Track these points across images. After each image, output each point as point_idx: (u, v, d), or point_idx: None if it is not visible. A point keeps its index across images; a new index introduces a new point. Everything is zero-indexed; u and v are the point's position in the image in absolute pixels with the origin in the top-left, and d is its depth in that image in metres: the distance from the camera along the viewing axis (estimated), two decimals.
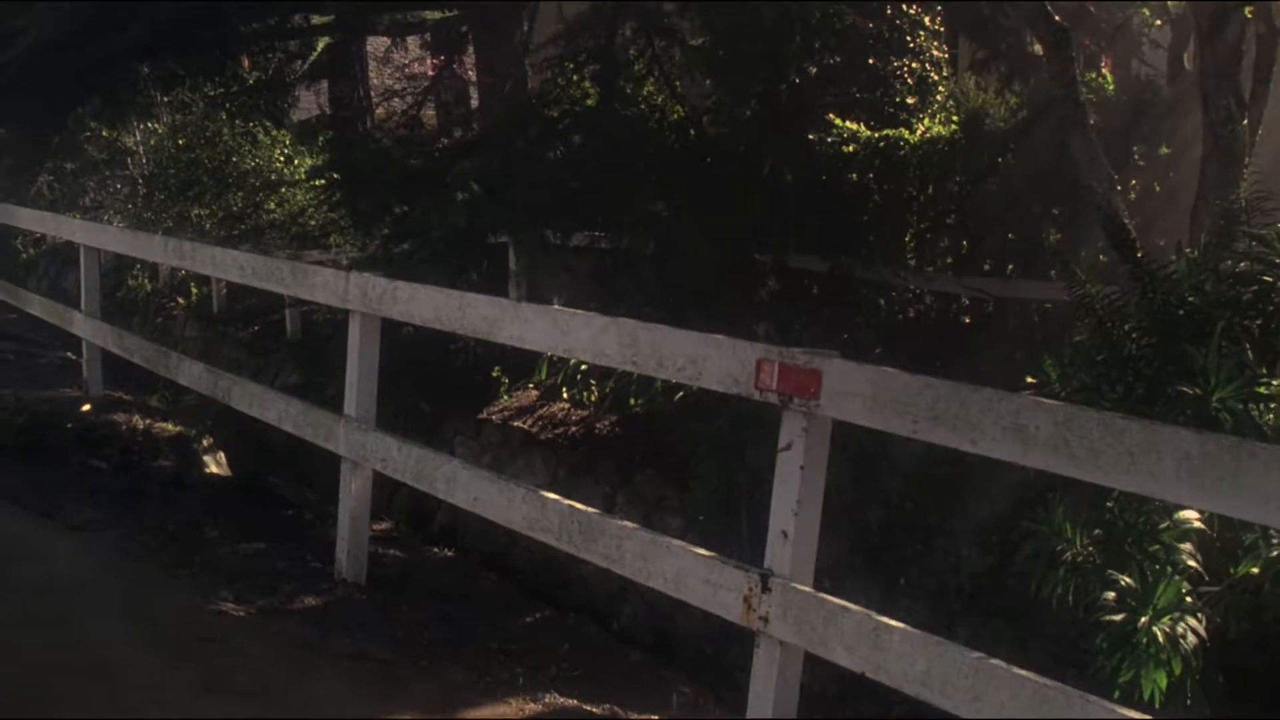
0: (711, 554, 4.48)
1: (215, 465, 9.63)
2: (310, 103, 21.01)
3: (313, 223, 15.97)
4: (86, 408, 9.83)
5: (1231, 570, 4.33)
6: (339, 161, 14.13)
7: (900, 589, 6.29)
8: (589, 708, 5.14)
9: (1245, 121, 7.17)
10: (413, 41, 19.41)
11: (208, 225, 17.35)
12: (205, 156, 17.96)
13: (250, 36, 15.15)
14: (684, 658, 6.90)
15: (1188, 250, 5.09)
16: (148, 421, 9.73)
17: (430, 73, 17.83)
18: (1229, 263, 4.75)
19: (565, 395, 9.56)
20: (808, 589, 4.09)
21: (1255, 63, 7.67)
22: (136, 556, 6.35)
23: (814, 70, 11.96)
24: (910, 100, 12.28)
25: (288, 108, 19.24)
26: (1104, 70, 12.43)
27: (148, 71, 14.17)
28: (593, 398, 9.34)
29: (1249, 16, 7.21)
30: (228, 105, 17.53)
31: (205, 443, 9.69)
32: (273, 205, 17.55)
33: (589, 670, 5.76)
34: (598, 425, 8.92)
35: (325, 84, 19.33)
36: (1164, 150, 10.29)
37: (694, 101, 12.20)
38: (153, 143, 19.46)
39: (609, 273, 11.06)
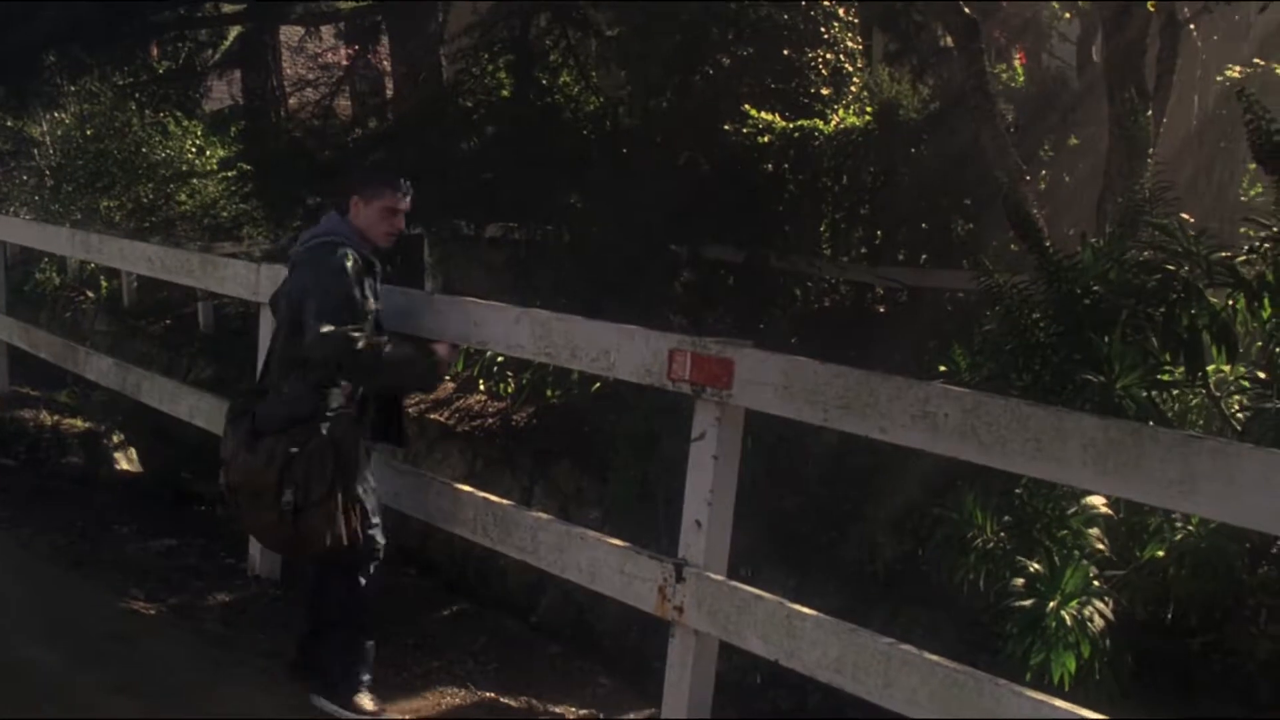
0: (625, 544, 4.49)
1: (126, 462, 9.49)
2: (223, 93, 20.69)
3: (225, 214, 15.77)
4: None
5: (1138, 554, 4.42)
6: (251, 152, 13.97)
7: (817, 576, 6.33)
8: (506, 700, 5.13)
9: (1149, 113, 7.29)
10: (327, 31, 19.18)
11: (117, 217, 17.11)
12: (114, 147, 17.71)
13: (160, 25, 14.89)
14: (603, 649, 6.91)
15: (1093, 240, 5.16)
16: (56, 418, 9.58)
17: (344, 63, 17.64)
18: (1133, 252, 4.82)
19: (482, 387, 9.52)
20: (721, 578, 4.11)
21: (1159, 55, 7.81)
22: (44, 555, 6.24)
23: (728, 61, 11.98)
24: (825, 91, 12.34)
25: (199, 98, 18.92)
26: (1016, 63, 12.58)
27: (54, 60, 13.89)
28: (510, 390, 9.32)
29: (1151, 10, 7.33)
30: (137, 95, 17.23)
31: (115, 439, 9.56)
32: (184, 197, 17.32)
33: (507, 663, 5.76)
34: (515, 417, 8.90)
35: (238, 74, 19.04)
36: (1073, 141, 10.44)
37: (609, 92, 12.19)
38: (60, 133, 19.13)
39: (524, 264, 11.04)
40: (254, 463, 4.49)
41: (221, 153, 17.38)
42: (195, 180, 17.42)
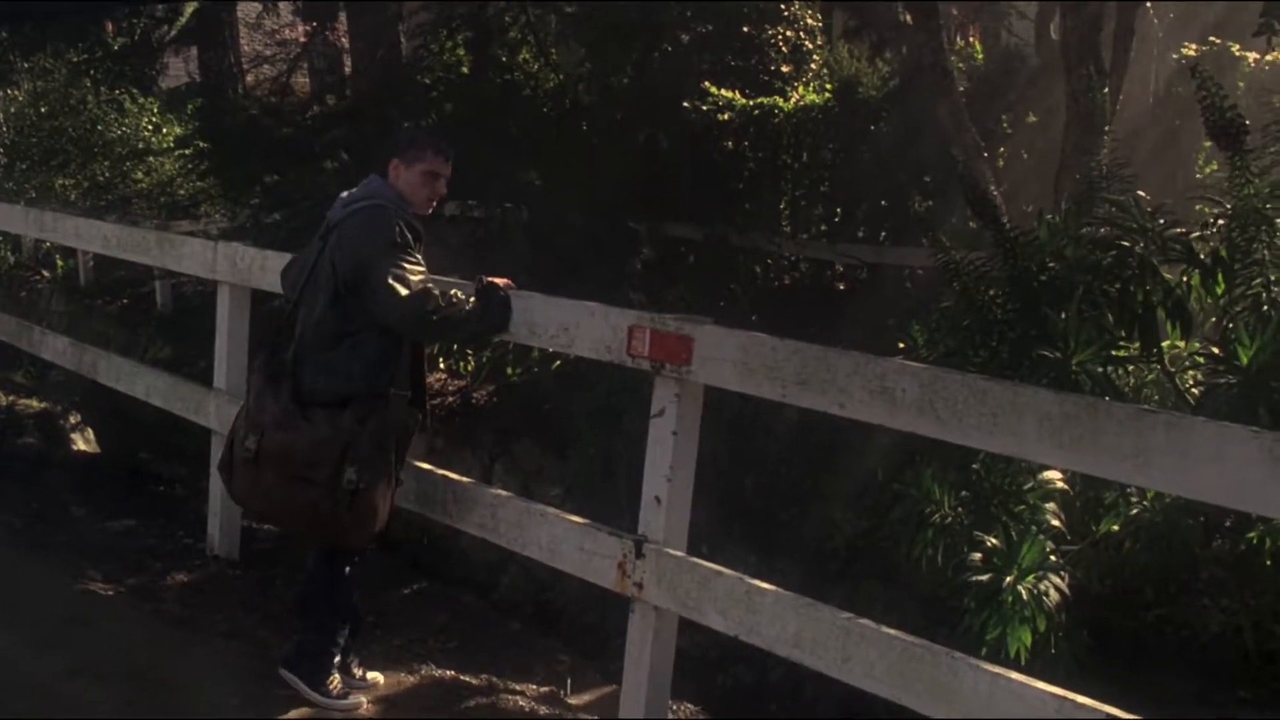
0: (585, 521, 4.49)
1: (83, 442, 9.43)
2: (179, 70, 20.54)
3: (182, 192, 15.65)
4: None
5: (1094, 528, 4.46)
6: (208, 130, 13.84)
7: (777, 553, 6.36)
8: (467, 678, 5.12)
9: (1105, 90, 7.33)
10: (285, 7, 19.05)
11: (73, 195, 16.95)
12: (69, 125, 17.53)
13: (115, 1, 14.76)
14: (564, 626, 6.93)
15: (1049, 217, 5.19)
16: (11, 398, 9.50)
17: (302, 39, 17.51)
18: (1089, 228, 4.84)
19: (442, 365, 9.50)
20: (681, 554, 4.12)
21: (1115, 32, 7.84)
22: (0, 537, 6.18)
23: (688, 38, 11.97)
24: (785, 68, 12.35)
25: (156, 75, 18.76)
26: (973, 39, 12.62)
27: (6, 37, 13.72)
28: (470, 368, 9.30)
29: None
30: (92, 72, 17.06)
31: (72, 419, 9.49)
32: (141, 174, 17.17)
33: (467, 641, 5.76)
34: (475, 395, 8.88)
35: (195, 50, 18.88)
36: (1031, 119, 10.48)
37: (569, 69, 12.16)
38: (13, 110, 18.91)
39: (482, 242, 11.01)
40: (314, 433, 4.34)
41: (178, 130, 17.22)
42: (152, 158, 17.26)
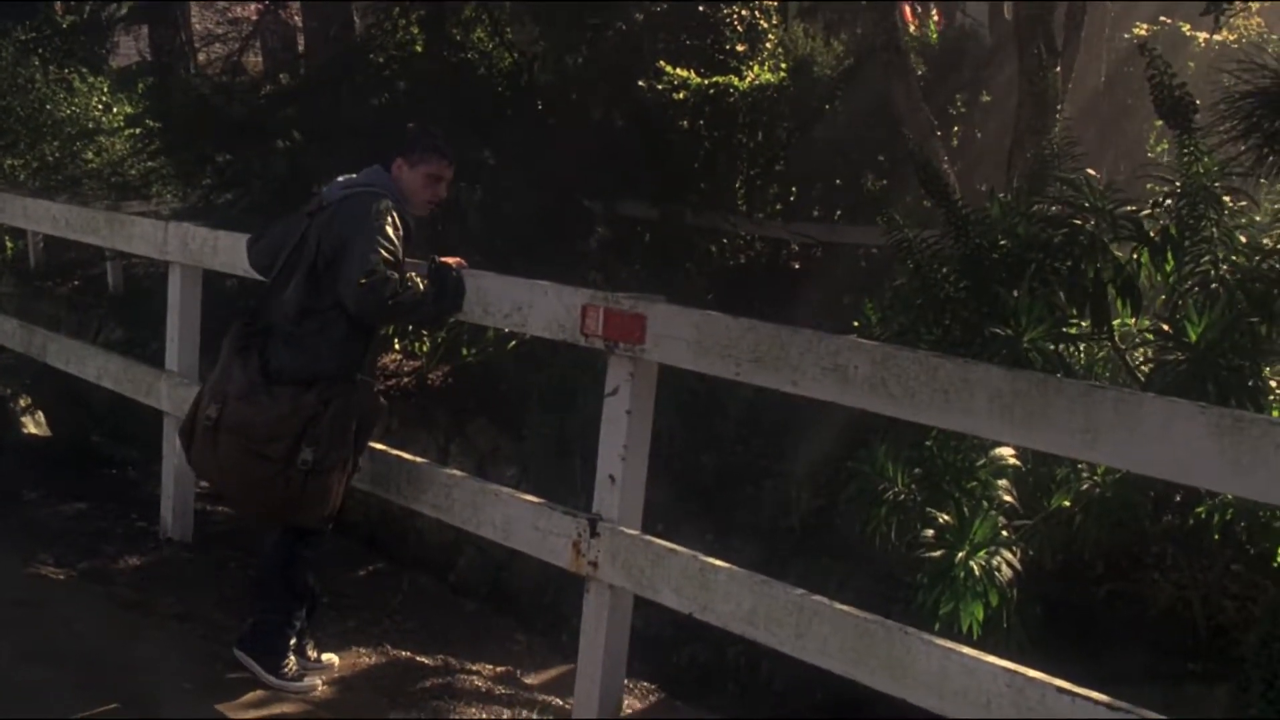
0: (540, 500, 4.50)
1: (34, 425, 9.34)
2: (130, 49, 20.32)
3: (133, 172, 15.46)
4: None
5: (1045, 504, 4.50)
6: (159, 109, 13.68)
7: (734, 532, 6.38)
8: (422, 659, 5.13)
9: (1058, 70, 7.36)
10: None
11: (22, 176, 16.71)
12: (17, 104, 17.27)
13: None
14: (520, 607, 6.92)
15: (1002, 195, 5.21)
16: None
17: (254, 18, 17.35)
18: (1040, 207, 4.87)
19: (397, 346, 9.45)
20: (635, 533, 4.13)
21: (1068, 11, 7.87)
22: None
23: (642, 17, 11.93)
24: (740, 47, 12.32)
25: (106, 53, 18.53)
26: (932, 23, 12.63)
27: None
28: (425, 348, 9.25)
29: None
30: (41, 50, 16.82)
31: (23, 402, 9.39)
32: (91, 154, 16.96)
33: (424, 621, 5.76)
34: (430, 376, 8.85)
35: (145, 29, 18.67)
36: (985, 98, 10.52)
37: (523, 48, 12.10)
38: None
39: (435, 221, 10.95)
40: (276, 409, 4.34)
41: (129, 110, 17.02)
42: (102, 138, 17.04)
